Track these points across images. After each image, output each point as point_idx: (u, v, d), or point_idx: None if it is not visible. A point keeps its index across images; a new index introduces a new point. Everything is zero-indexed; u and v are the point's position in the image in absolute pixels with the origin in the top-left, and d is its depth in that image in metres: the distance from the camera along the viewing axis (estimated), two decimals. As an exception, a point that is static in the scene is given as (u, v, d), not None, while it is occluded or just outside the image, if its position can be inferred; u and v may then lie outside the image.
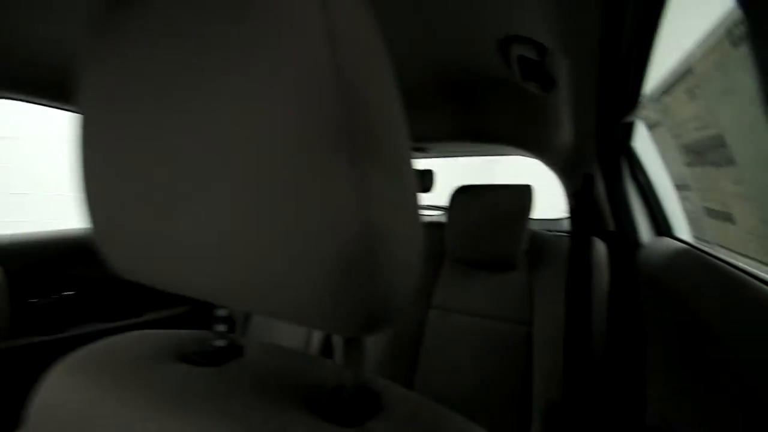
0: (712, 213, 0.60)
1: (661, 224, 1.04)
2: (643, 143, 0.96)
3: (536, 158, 1.32)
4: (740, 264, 0.58)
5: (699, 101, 0.49)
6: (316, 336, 1.32)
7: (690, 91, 0.49)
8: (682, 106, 0.55)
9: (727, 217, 0.54)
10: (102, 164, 0.27)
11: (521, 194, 1.13)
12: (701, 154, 0.55)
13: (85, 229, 0.28)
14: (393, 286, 0.21)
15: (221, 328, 0.35)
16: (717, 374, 0.53)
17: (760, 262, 0.49)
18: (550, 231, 1.46)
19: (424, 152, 1.57)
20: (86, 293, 1.16)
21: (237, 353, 0.34)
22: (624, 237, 1.07)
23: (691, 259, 0.73)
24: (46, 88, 0.91)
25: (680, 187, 0.73)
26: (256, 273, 0.22)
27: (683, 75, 0.50)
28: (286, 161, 0.19)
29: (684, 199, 0.73)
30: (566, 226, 1.58)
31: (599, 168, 1.08)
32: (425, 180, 1.70)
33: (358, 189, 0.19)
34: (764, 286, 0.50)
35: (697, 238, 0.76)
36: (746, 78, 0.37)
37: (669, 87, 0.57)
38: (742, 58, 0.36)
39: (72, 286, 1.14)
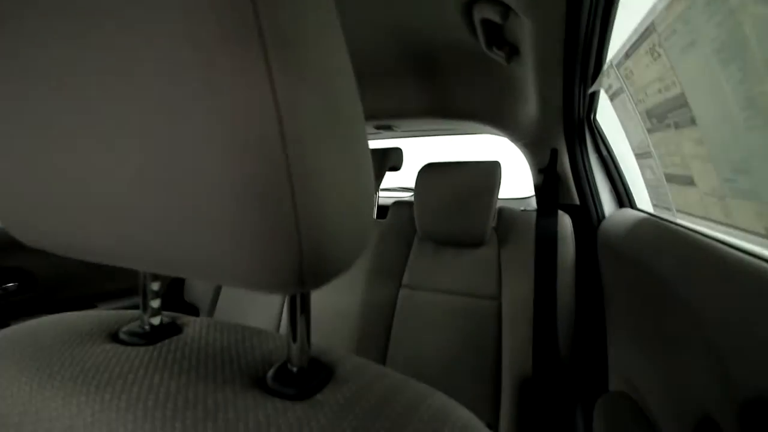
0: (672, 178, 0.60)
1: (622, 196, 1.07)
2: (606, 114, 0.96)
3: (503, 135, 1.32)
4: (702, 229, 0.58)
5: (661, 60, 0.48)
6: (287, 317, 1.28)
7: (652, 51, 0.48)
8: (644, 69, 0.54)
9: (687, 181, 0.54)
10: None
11: (489, 170, 1.12)
12: (662, 117, 0.55)
13: None
14: (329, 233, 0.18)
15: (155, 304, 0.31)
16: (676, 335, 0.54)
17: (722, 223, 0.49)
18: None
19: (391, 130, 1.54)
20: (31, 285, 1.08)
21: (175, 331, 0.31)
22: (588, 210, 1.09)
23: (649, 227, 0.75)
24: None
25: (641, 155, 0.73)
26: (166, 226, 0.18)
27: (645, 34, 0.49)
28: (183, 77, 0.16)
29: (645, 168, 0.73)
30: (533, 203, 1.60)
31: (565, 142, 1.09)
32: (394, 158, 1.66)
33: (280, 117, 0.16)
34: (723, 246, 0.50)
35: (656, 206, 0.77)
36: (709, 27, 0.36)
37: (631, 50, 0.56)
38: (706, 4, 0.34)
39: (14, 277, 1.06)
